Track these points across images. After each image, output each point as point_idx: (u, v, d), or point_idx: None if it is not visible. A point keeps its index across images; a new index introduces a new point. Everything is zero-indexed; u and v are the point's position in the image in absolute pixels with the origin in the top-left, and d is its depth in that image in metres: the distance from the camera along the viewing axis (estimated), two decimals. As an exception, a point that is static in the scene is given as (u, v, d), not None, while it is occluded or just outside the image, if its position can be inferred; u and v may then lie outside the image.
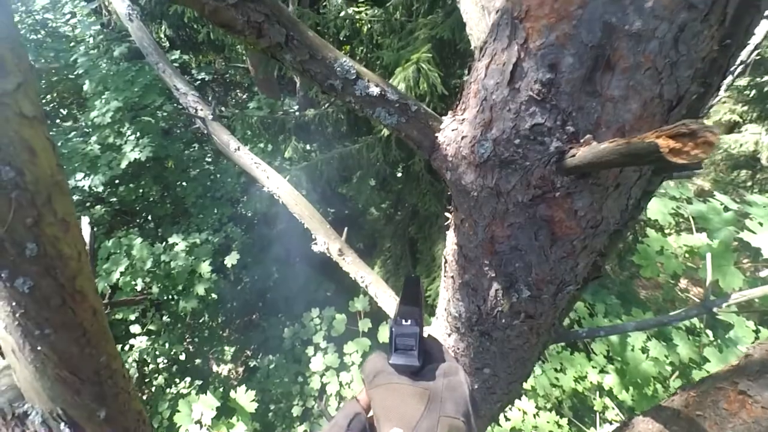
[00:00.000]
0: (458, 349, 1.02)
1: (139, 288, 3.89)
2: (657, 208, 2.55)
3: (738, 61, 1.15)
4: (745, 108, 8.20)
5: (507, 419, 3.00)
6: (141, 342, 4.52)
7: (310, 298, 5.36)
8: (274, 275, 5.90)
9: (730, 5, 0.54)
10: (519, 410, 3.03)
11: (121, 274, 3.78)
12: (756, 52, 1.21)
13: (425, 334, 0.77)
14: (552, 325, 0.93)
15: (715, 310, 1.36)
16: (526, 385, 3.04)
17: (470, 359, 1.02)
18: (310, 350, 3.57)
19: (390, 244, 5.76)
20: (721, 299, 1.37)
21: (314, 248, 1.46)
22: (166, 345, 4.54)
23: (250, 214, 5.68)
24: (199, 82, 8.23)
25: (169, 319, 4.83)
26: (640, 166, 0.58)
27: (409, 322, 0.66)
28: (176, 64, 6.25)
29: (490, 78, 0.67)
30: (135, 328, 4.63)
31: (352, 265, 1.44)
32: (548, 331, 0.98)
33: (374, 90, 0.74)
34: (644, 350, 2.54)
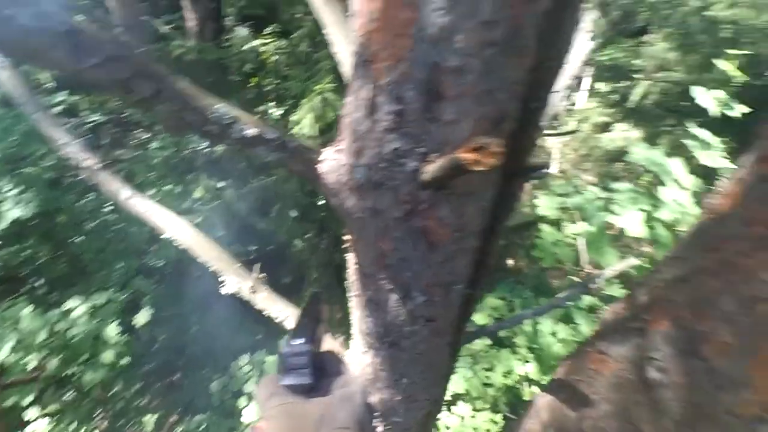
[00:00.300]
0: (376, 364, 1.07)
1: (32, 365, 3.41)
2: (546, 205, 2.87)
3: (569, 76, 1.40)
4: (612, 110, 9.57)
5: (447, 428, 3.10)
6: (40, 427, 3.93)
7: (237, 345, 5.08)
8: (194, 327, 5.51)
9: (529, 39, 0.68)
10: (457, 416, 3.15)
11: (11, 350, 3.30)
12: (585, 68, 1.47)
13: (339, 350, 0.80)
14: (453, 324, 1.02)
15: (594, 286, 1.58)
16: (461, 390, 3.17)
17: (388, 372, 1.07)
18: (242, 401, 3.38)
19: (317, 274, 5.72)
20: (596, 276, 1.59)
21: (224, 290, 1.43)
22: (72, 426, 3.99)
23: (161, 264, 5.30)
24: (91, 124, 7.57)
25: (74, 395, 4.27)
26: (463, 175, 0.68)
27: (301, 340, 0.68)
28: (63, 107, 5.69)
29: (356, 111, 0.75)
30: (32, 412, 4.02)
31: (267, 301, 1.43)
32: (452, 332, 1.07)
33: (251, 132, 0.78)
34: (554, 334, 2.82)
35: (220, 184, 5.14)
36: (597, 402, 0.72)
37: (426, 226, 0.76)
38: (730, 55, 3.23)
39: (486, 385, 3.19)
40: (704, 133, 2.58)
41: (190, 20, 5.30)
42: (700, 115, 2.74)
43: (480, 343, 3.39)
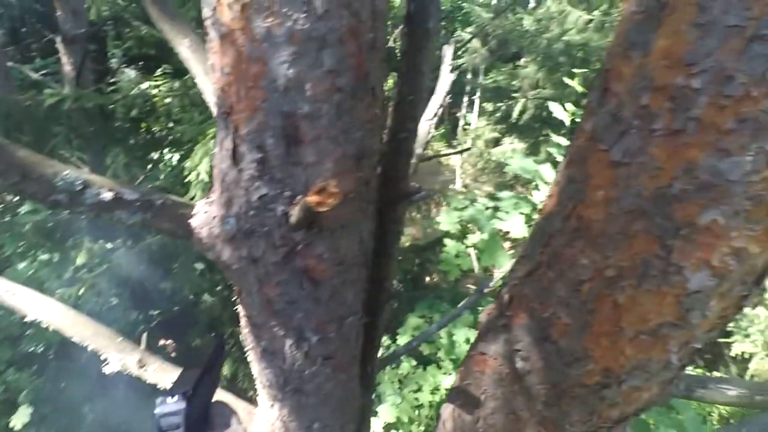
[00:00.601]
0: (284, 416, 1.04)
1: None
2: (446, 220, 3.07)
3: (438, 105, 1.55)
4: (499, 126, 10.64)
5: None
6: None
7: (142, 427, 4.47)
8: (88, 417, 4.75)
9: (376, 82, 0.75)
10: (393, 446, 3.12)
11: None
12: (448, 95, 1.65)
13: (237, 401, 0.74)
14: (356, 356, 1.03)
15: (488, 289, 1.71)
16: (392, 419, 3.15)
17: (297, 422, 1.04)
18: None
19: (233, 328, 5.35)
20: (489, 280, 1.73)
21: (107, 370, 1.28)
22: None
23: (41, 350, 4.53)
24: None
25: None
26: (316, 216, 0.71)
27: (175, 398, 0.62)
28: None
29: (222, 162, 0.76)
30: None
31: (159, 373, 1.31)
32: (357, 364, 1.08)
33: (107, 195, 0.74)
34: (467, 341, 2.96)
35: (109, 245, 4.62)
36: (485, 401, 0.79)
37: (307, 266, 0.77)
38: (577, 73, 3.88)
39: (417, 407, 3.22)
40: (563, 140, 3.01)
41: (67, 64, 4.78)
42: (563, 125, 3.19)
43: (406, 366, 3.43)
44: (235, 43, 0.67)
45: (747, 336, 3.07)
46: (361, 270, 0.88)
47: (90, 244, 4.46)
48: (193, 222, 0.81)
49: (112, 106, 4.29)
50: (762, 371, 3.04)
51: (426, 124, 1.37)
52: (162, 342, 5.28)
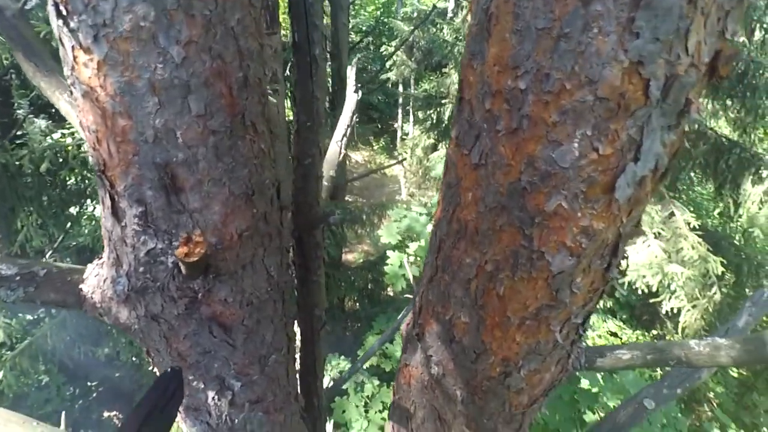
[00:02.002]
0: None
1: None
2: (386, 233, 3.10)
3: (346, 128, 1.58)
4: (433, 133, 10.99)
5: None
6: None
7: None
8: None
9: (255, 117, 0.75)
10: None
11: None
12: (355, 121, 1.69)
13: None
14: (291, 392, 1.01)
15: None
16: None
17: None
18: None
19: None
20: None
21: (24, 461, 1.15)
22: None
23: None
24: None
25: None
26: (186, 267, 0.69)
27: None
28: None
29: (107, 221, 0.72)
30: None
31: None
32: (295, 398, 1.05)
33: (-27, 276, 0.68)
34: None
35: (29, 317, 4.19)
36: (415, 411, 0.80)
37: (213, 313, 0.75)
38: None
39: (382, 428, 3.16)
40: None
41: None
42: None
43: (369, 387, 3.37)
44: (97, 100, 0.65)
45: (673, 293, 3.36)
46: (277, 305, 0.87)
47: (5, 321, 4.03)
48: (84, 287, 0.76)
49: (18, 162, 3.95)
50: (690, 322, 3.32)
51: (336, 146, 1.39)
52: (106, 414, 4.84)
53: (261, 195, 0.77)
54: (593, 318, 3.80)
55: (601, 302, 4.23)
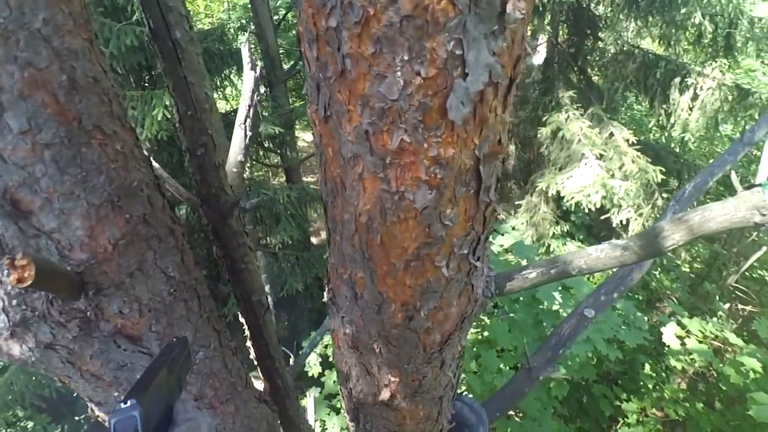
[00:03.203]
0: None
1: None
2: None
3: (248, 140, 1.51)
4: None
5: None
6: None
7: None
8: None
9: (100, 119, 0.69)
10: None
11: None
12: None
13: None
14: (235, 384, 0.99)
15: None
16: None
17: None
18: None
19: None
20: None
21: None
22: None
23: None
24: None
25: None
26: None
27: (128, 403, 0.57)
28: None
29: (-31, 259, 0.66)
30: None
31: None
32: (245, 389, 1.04)
33: None
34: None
35: None
36: (350, 372, 0.80)
37: (116, 326, 0.71)
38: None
39: None
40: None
41: None
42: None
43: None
44: None
45: (619, 207, 3.52)
46: (190, 303, 0.83)
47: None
48: (-34, 334, 0.71)
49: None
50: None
51: (240, 129, 1.32)
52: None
53: (131, 198, 0.72)
54: (554, 243, 3.95)
55: (558, 227, 4.40)
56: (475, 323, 2.12)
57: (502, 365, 1.95)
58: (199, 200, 1.03)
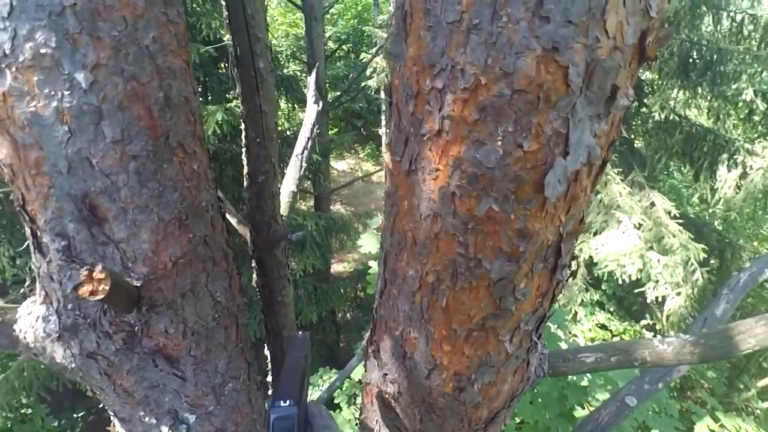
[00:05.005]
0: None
1: None
2: (367, 242, 3.06)
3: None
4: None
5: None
6: None
7: None
8: None
9: (184, 138, 0.71)
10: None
11: None
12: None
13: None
14: (256, 420, 0.96)
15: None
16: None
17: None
18: None
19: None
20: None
21: None
22: None
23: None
24: None
25: None
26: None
27: (287, 402, 0.57)
28: None
29: (33, 256, 0.68)
30: None
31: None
32: (264, 427, 1.00)
33: None
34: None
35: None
36: (379, 431, 0.76)
37: (156, 345, 0.71)
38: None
39: None
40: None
41: None
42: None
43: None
44: (7, 133, 0.61)
45: (656, 282, 3.37)
46: (229, 331, 0.82)
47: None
48: (17, 327, 0.71)
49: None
50: (675, 309, 3.32)
51: (296, 160, 1.35)
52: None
53: (197, 218, 0.73)
54: (581, 312, 3.79)
55: (588, 295, 4.23)
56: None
57: (521, 437, 1.84)
58: (251, 227, 1.05)
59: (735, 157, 4.23)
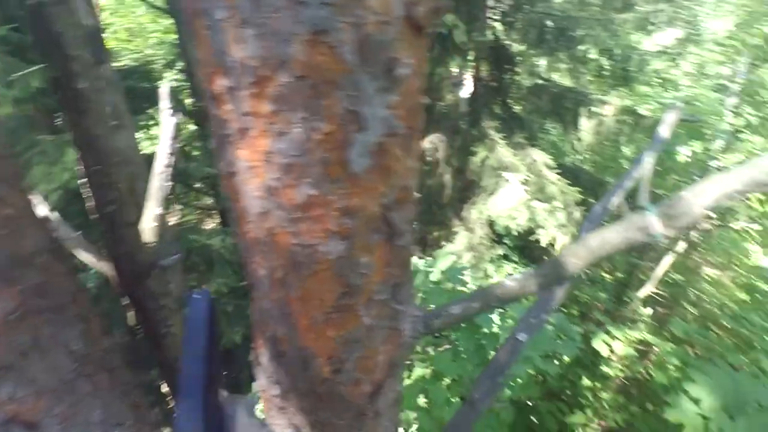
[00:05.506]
0: None
1: None
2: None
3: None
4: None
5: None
6: None
7: None
8: None
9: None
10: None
11: None
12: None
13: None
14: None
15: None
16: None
17: None
18: None
19: None
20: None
21: None
22: None
23: None
24: None
25: None
26: None
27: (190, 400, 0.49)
28: None
29: None
30: None
31: None
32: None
33: None
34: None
35: None
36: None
37: (8, 413, 0.63)
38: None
39: None
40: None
41: None
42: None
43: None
44: None
45: (544, 227, 3.79)
46: (98, 377, 0.75)
47: None
48: None
49: None
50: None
51: (159, 178, 1.26)
52: None
53: (24, 268, 0.65)
54: (491, 267, 4.11)
55: (494, 251, 4.61)
56: (423, 358, 2.12)
57: (449, 397, 1.95)
58: (112, 261, 0.95)
59: (591, 108, 4.86)
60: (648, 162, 1.00)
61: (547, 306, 1.28)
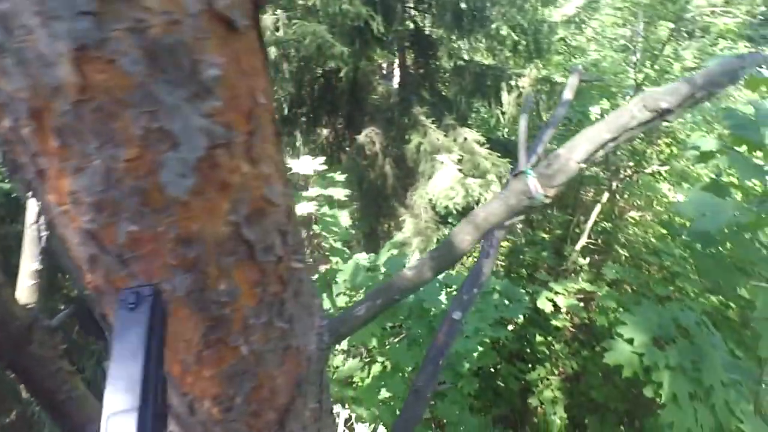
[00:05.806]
0: None
1: None
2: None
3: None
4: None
5: None
6: None
7: None
8: None
9: None
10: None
11: None
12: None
13: None
14: None
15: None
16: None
17: None
18: None
19: None
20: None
21: None
22: None
23: None
24: None
25: None
26: None
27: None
28: None
29: None
30: None
31: None
32: None
33: None
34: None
35: None
36: None
37: None
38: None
39: None
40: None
41: None
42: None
43: None
44: None
45: (477, 201, 3.92)
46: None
47: None
48: None
49: None
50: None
51: (31, 231, 1.13)
52: None
53: None
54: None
55: (440, 233, 4.69)
56: (378, 351, 2.10)
57: (408, 387, 1.95)
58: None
59: (510, 82, 5.05)
60: (522, 125, 1.01)
61: (477, 280, 1.29)
